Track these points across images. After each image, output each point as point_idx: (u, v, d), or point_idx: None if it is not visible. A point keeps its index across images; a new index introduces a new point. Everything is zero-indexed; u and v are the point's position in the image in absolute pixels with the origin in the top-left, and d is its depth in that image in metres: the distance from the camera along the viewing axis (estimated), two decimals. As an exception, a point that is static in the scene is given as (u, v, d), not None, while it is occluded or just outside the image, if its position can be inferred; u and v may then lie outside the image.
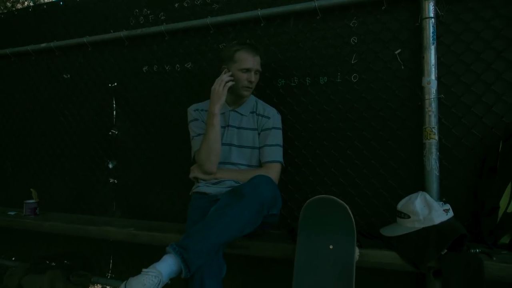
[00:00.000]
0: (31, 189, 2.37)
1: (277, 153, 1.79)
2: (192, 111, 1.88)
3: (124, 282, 1.22)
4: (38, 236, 2.61)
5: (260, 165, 1.81)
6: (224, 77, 1.74)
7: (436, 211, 1.41)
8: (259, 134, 1.83)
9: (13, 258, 2.75)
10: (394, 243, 1.43)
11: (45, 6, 2.75)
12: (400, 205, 1.52)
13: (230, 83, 1.74)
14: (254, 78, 1.76)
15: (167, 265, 1.27)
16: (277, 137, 1.82)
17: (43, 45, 2.64)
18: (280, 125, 1.86)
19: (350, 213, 1.34)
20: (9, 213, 2.37)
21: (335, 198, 1.38)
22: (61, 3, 2.68)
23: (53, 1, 2.76)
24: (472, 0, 1.67)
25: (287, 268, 1.61)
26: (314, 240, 1.37)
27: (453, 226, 1.35)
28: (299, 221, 1.42)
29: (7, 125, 2.85)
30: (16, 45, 2.77)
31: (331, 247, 1.35)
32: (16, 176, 2.79)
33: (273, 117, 1.84)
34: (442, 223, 1.38)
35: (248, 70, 1.75)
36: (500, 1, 1.63)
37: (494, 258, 1.29)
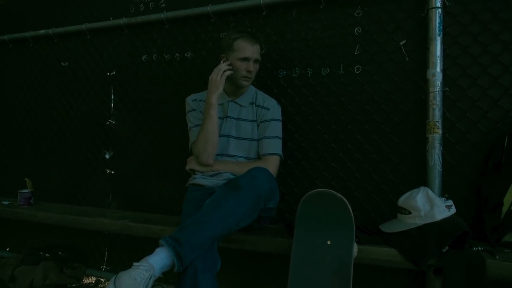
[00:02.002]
0: (26, 179, 2.33)
1: (276, 146, 1.75)
2: (190, 101, 1.83)
3: (114, 276, 1.18)
4: (32, 227, 2.58)
5: (259, 157, 1.77)
6: (222, 66, 1.69)
7: (438, 207, 1.36)
8: (258, 125, 1.78)
9: (7, 249, 2.72)
10: (393, 239, 1.39)
11: (44, -8, 2.70)
12: (401, 201, 1.47)
13: (228, 73, 1.69)
14: (253, 67, 1.71)
15: (159, 259, 1.23)
16: (276, 129, 1.78)
17: (41, 31, 2.59)
18: (279, 117, 1.81)
19: (349, 207, 1.29)
20: (2, 202, 2.33)
21: (333, 192, 1.33)
22: (60, -11, 2.63)
23: (51, -13, 2.71)
24: (481, -10, 1.62)
25: (283, 263, 1.57)
26: (311, 235, 1.33)
27: (455, 223, 1.30)
28: (296, 215, 1.38)
29: (3, 113, 2.81)
30: (15, 31, 2.72)
31: (329, 242, 1.31)
32: (12, 165, 2.75)
33: (273, 108, 1.79)
34: (444, 220, 1.33)
35: (246, 59, 1.69)
36: (510, -8, 1.57)
37: (497, 257, 1.24)
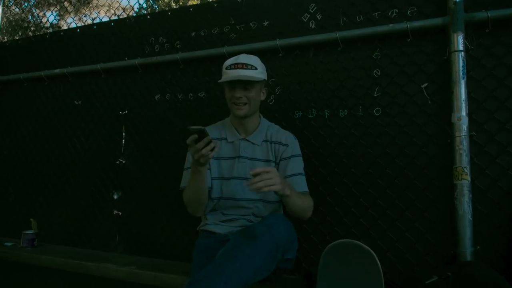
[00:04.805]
0: (31, 219, 2.25)
1: (302, 183, 1.60)
2: None
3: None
4: (34, 270, 2.46)
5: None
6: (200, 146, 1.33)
7: None
8: (277, 163, 1.64)
9: (7, 292, 2.60)
10: (427, 298, 1.26)
11: (62, 33, 2.75)
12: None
13: (211, 154, 1.35)
14: (240, 93, 1.56)
15: None
16: (298, 165, 1.63)
17: (56, 70, 2.61)
18: (299, 151, 1.67)
19: (378, 261, 1.18)
20: (5, 244, 2.24)
21: (359, 243, 1.23)
22: (78, 30, 2.67)
23: (70, 28, 2.76)
24: (504, 35, 1.58)
25: (302, 319, 1.44)
26: (336, 290, 1.22)
27: (496, 285, 1.17)
28: (318, 267, 1.27)
29: (13, 150, 2.78)
30: (31, 70, 2.74)
31: (355, 300, 1.19)
32: (17, 204, 2.68)
33: (292, 143, 1.66)
34: (482, 277, 1.21)
35: (231, 86, 1.57)
36: (535, 36, 1.53)
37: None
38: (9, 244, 2.23)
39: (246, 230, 1.36)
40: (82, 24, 2.91)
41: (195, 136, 1.30)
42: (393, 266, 1.64)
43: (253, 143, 1.66)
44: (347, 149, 1.80)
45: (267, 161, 1.65)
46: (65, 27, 3.10)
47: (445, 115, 1.62)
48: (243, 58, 1.60)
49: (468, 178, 1.52)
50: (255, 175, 1.27)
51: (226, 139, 1.67)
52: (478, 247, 1.51)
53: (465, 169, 1.53)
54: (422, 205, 1.64)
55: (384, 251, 1.67)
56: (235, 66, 1.57)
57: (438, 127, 1.65)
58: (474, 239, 1.51)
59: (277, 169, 1.63)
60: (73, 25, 3.03)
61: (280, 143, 1.65)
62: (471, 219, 1.51)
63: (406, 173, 1.68)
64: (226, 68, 1.59)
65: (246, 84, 1.58)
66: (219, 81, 1.59)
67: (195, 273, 1.30)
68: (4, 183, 2.76)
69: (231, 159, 1.65)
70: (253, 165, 1.64)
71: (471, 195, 1.52)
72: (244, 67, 1.57)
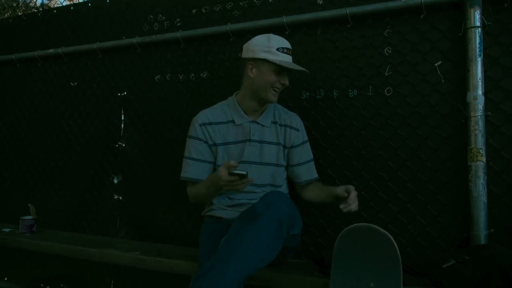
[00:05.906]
0: (29, 204, 2.19)
1: (314, 169, 1.68)
2: (197, 124, 1.58)
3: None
4: (33, 256, 2.40)
5: (298, 184, 1.66)
6: (241, 184, 1.35)
7: None
8: (288, 148, 1.62)
9: (5, 278, 2.54)
10: (443, 281, 1.22)
11: (55, 11, 2.63)
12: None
13: (245, 183, 1.34)
14: (287, 81, 1.55)
15: None
16: (309, 150, 1.68)
17: (50, 50, 2.50)
18: (306, 135, 1.70)
19: (396, 246, 1.14)
20: (3, 230, 2.18)
21: (376, 227, 1.19)
22: (72, 8, 2.56)
23: (63, 6, 2.64)
24: (523, 9, 1.52)
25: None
26: (352, 276, 1.18)
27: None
28: (333, 252, 1.23)
29: (8, 134, 2.69)
30: (23, 50, 2.63)
31: (372, 285, 1.15)
32: (14, 189, 2.61)
33: (301, 128, 1.66)
34: (505, 259, 1.17)
35: (279, 71, 1.50)
36: (557, 10, 1.47)
37: None
38: (7, 230, 2.17)
39: (247, 211, 1.30)
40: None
41: (237, 177, 1.32)
42: (404, 250, 1.60)
43: (262, 125, 1.61)
44: (357, 130, 1.74)
45: (277, 144, 1.62)
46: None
47: (459, 95, 1.56)
48: (283, 42, 1.55)
49: (484, 159, 1.48)
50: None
51: (233, 121, 1.60)
52: (492, 229, 1.48)
53: (480, 150, 1.48)
54: (434, 187, 1.60)
55: (395, 234, 1.61)
56: (288, 51, 1.54)
57: (452, 107, 1.59)
58: (488, 221, 1.48)
59: (288, 153, 1.64)
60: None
61: (291, 127, 1.63)
62: (485, 201, 1.47)
63: (418, 154, 1.63)
64: (278, 49, 1.50)
65: (291, 72, 1.57)
66: (276, 61, 1.47)
67: (202, 263, 1.24)
68: (0, 168, 2.69)
69: (240, 142, 1.59)
70: (262, 148, 1.60)
71: (486, 177, 1.48)
72: (291, 53, 1.56)
